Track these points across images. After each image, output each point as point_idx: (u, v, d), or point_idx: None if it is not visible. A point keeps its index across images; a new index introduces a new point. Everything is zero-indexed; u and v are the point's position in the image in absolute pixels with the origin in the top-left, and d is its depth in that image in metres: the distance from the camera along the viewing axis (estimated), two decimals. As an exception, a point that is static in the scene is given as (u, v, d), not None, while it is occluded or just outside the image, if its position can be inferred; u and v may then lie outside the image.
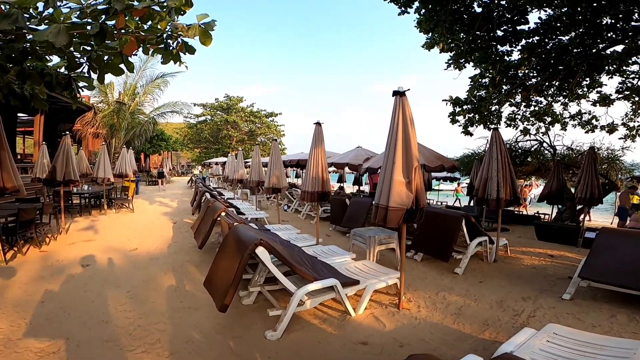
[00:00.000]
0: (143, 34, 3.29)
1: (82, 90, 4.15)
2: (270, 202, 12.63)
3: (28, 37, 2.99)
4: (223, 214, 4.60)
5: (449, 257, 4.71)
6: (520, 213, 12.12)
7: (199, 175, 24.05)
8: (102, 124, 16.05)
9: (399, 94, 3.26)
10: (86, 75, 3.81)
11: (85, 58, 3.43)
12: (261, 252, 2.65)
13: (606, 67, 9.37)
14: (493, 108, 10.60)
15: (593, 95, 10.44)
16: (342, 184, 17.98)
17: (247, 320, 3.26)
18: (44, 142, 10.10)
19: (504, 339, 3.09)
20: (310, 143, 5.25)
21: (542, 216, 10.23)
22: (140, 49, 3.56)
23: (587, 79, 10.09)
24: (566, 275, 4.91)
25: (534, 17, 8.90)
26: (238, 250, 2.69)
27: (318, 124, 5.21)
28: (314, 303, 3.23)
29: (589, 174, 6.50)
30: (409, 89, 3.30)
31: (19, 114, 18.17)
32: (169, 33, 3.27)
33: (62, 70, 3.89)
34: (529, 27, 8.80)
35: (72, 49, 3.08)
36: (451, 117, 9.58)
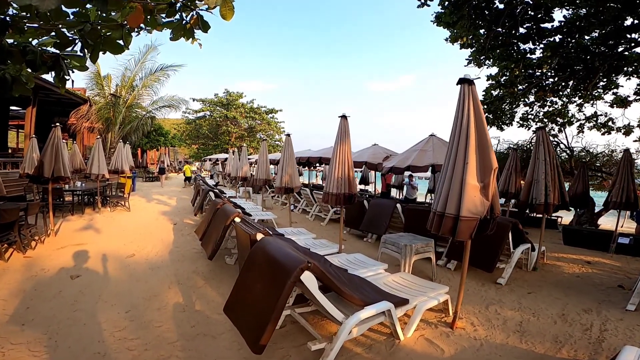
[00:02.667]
0: (151, 2, 2.62)
1: (73, 72, 3.41)
2: (275, 201, 11.93)
3: (9, 8, 2.31)
4: (237, 219, 3.92)
5: (493, 267, 4.15)
6: (534, 216, 11.68)
7: (198, 173, 22.88)
8: (97, 117, 15.10)
9: (466, 81, 2.64)
10: (78, 54, 3.10)
11: (78, 32, 2.73)
12: (307, 278, 2.00)
13: (624, 69, 8.99)
14: (507, 108, 10.11)
15: (608, 97, 10.08)
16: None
17: (280, 353, 2.59)
18: (33, 135, 9.22)
19: (584, 357, 2.72)
20: (335, 138, 4.59)
21: (558, 219, 9.75)
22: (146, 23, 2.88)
23: (604, 79, 9.70)
24: (614, 283, 4.56)
25: (559, 15, 8.47)
26: (276, 276, 2.03)
27: (344, 117, 4.56)
28: (360, 330, 2.59)
29: (625, 177, 6.00)
30: (478, 77, 2.67)
31: (12, 107, 17.10)
32: (183, 2, 2.61)
33: (49, 48, 3.18)
34: (552, 25, 8.32)
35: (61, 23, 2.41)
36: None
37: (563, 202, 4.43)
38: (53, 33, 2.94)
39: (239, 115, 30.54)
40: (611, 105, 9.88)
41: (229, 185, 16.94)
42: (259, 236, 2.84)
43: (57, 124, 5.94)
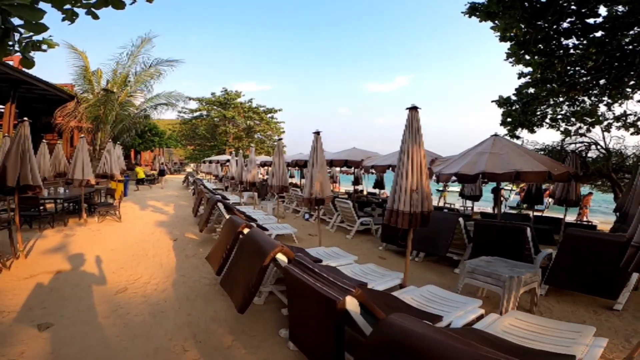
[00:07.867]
0: None
1: (21, 34, 2.13)
2: (285, 208, 10.59)
3: None
4: (284, 258, 2.61)
5: (619, 293, 3.17)
6: (580, 222, 11.04)
7: (196, 176, 21.13)
8: (86, 115, 13.41)
9: None
10: (27, 2, 1.80)
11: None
12: None
13: (657, 68, 8.21)
14: (539, 108, 9.20)
15: (637, 96, 9.35)
16: (359, 186, 16.01)
17: None
18: (6, 134, 7.69)
19: None
20: (402, 137, 3.38)
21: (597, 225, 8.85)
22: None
23: (635, 78, 8.92)
24: None
25: (603, 11, 7.68)
26: None
27: (414, 108, 3.34)
28: None
29: None
30: None
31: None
32: None
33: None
34: (595, 21, 7.44)
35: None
36: (503, 118, 8.13)
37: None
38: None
39: (237, 115, 28.89)
40: (643, 105, 9.12)
41: (231, 189, 15.51)
42: (350, 304, 1.57)
43: (25, 118, 4.50)
